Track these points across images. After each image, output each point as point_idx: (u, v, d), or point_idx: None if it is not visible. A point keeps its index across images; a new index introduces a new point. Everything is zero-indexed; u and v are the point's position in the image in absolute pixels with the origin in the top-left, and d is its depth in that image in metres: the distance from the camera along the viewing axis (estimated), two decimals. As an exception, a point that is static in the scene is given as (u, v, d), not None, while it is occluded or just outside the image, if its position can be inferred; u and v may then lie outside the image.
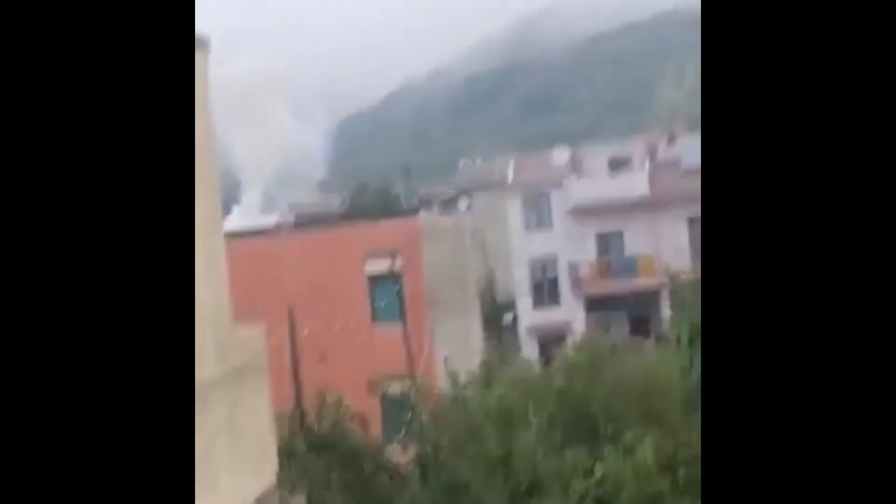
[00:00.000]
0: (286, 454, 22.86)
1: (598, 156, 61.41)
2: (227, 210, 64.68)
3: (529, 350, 51.21)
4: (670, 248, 51.88)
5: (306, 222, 44.48)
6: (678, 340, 26.70)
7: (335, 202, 68.61)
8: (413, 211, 39.36)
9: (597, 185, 57.14)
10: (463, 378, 27.41)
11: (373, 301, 34.81)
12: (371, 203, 66.86)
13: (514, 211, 57.41)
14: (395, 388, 28.31)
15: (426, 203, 70.60)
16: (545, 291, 56.47)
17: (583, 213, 55.62)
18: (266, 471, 22.13)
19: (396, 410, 27.99)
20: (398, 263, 33.21)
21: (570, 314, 54.01)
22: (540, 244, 55.98)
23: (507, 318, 57.48)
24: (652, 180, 56.54)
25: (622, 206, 54.72)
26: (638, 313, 54.42)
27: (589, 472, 20.62)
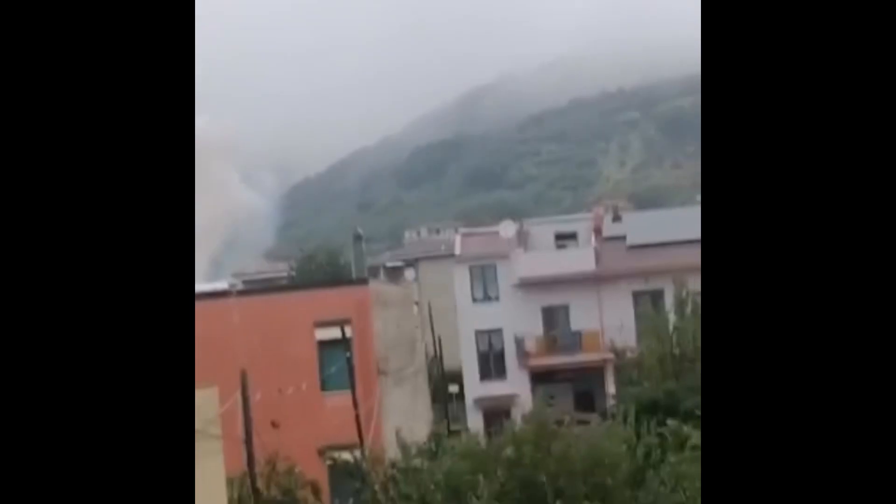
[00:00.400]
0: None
1: (544, 230, 61.92)
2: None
3: (475, 422, 51.32)
4: (615, 323, 52.35)
5: (255, 289, 44.55)
6: (624, 417, 27.00)
7: (283, 269, 68.68)
8: (362, 280, 39.52)
9: (543, 259, 57.57)
10: (412, 449, 27.51)
11: (322, 369, 34.83)
12: (318, 271, 66.92)
13: (461, 282, 57.68)
14: (344, 457, 28.32)
15: (373, 272, 70.82)
16: (491, 364, 56.65)
17: (529, 286, 55.98)
18: (216, 536, 22.02)
19: (346, 479, 27.98)
20: (348, 331, 33.29)
21: (516, 387, 54.15)
22: (486, 316, 56.22)
23: (454, 389, 57.56)
24: (598, 256, 57.07)
25: (568, 281, 55.13)
26: (583, 388, 54.63)
27: (538, 544, 20.77)
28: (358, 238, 43.49)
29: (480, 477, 22.98)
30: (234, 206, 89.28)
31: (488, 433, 36.69)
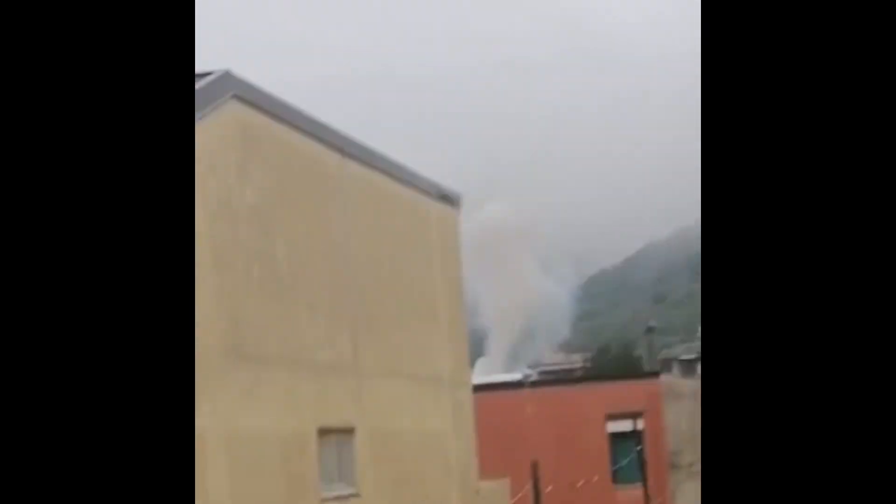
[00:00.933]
0: None
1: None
2: (472, 362, 65.52)
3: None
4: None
5: (549, 380, 44.69)
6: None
7: (577, 361, 68.71)
8: (654, 372, 39.04)
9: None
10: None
11: (614, 461, 34.50)
12: (612, 363, 66.62)
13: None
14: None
15: (666, 364, 69.85)
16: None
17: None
18: None
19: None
20: (640, 424, 32.92)
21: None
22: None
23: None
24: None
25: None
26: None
27: None
28: (650, 330, 43.14)
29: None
30: (532, 296, 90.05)
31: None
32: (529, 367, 64.42)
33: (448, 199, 21.91)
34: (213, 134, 14.25)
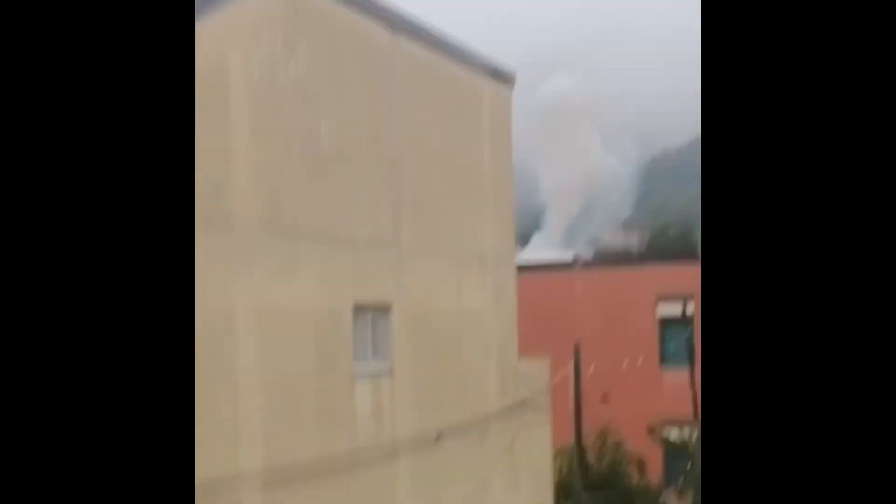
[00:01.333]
0: (563, 491, 23.01)
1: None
2: (527, 238, 65.33)
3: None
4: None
5: (603, 260, 44.55)
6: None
7: (635, 241, 68.37)
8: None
9: None
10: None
11: (662, 344, 34.53)
12: (670, 245, 66.26)
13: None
14: (676, 435, 27.98)
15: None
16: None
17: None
18: (541, 505, 22.32)
19: (677, 457, 27.67)
20: (691, 308, 32.80)
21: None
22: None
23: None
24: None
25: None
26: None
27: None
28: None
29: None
30: (595, 172, 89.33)
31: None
32: (587, 244, 64.35)
33: (501, 76, 21.59)
34: (257, 5, 14.08)
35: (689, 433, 27.45)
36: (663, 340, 34.43)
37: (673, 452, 28.50)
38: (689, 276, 35.65)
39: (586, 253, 50.93)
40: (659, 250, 62.68)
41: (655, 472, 27.17)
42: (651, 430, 25.55)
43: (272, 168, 14.24)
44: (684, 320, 31.41)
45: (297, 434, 14.42)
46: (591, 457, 24.54)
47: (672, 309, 33.84)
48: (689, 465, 25.62)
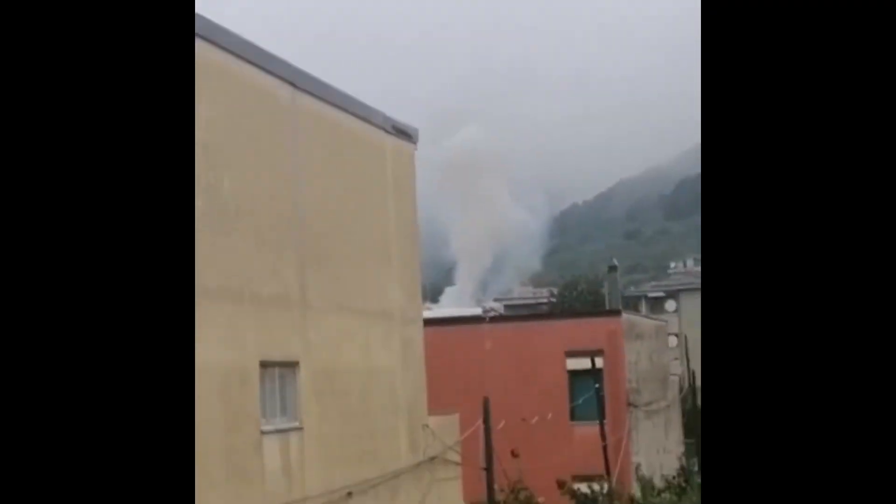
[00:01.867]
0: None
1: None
2: (437, 293, 65.26)
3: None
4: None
5: (512, 315, 44.72)
6: None
7: (544, 296, 68.84)
8: (616, 311, 39.06)
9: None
10: (659, 484, 27.02)
11: (572, 399, 34.62)
12: (579, 299, 66.75)
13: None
14: (586, 489, 28.02)
15: (635, 302, 70.16)
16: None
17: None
18: (453, 563, 22.17)
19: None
20: (599, 362, 32.98)
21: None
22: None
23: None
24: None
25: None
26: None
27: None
28: (613, 269, 43.11)
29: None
30: (504, 225, 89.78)
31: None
32: (496, 299, 64.52)
33: (404, 133, 21.69)
34: (157, 62, 13.99)
35: (599, 487, 27.52)
36: (573, 395, 34.54)
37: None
38: (598, 330, 36.04)
39: (496, 307, 51.06)
40: (569, 304, 63.08)
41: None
42: (561, 485, 25.56)
43: (175, 225, 14.10)
44: (593, 374, 31.57)
45: (206, 492, 14.18)
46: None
47: (581, 363, 33.99)
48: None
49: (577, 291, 70.18)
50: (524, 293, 78.88)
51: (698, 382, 51.50)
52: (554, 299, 67.08)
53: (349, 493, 17.87)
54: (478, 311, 42.60)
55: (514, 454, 26.29)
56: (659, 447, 37.77)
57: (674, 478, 30.64)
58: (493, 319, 38.25)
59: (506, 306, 61.79)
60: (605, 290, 67.30)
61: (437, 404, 22.75)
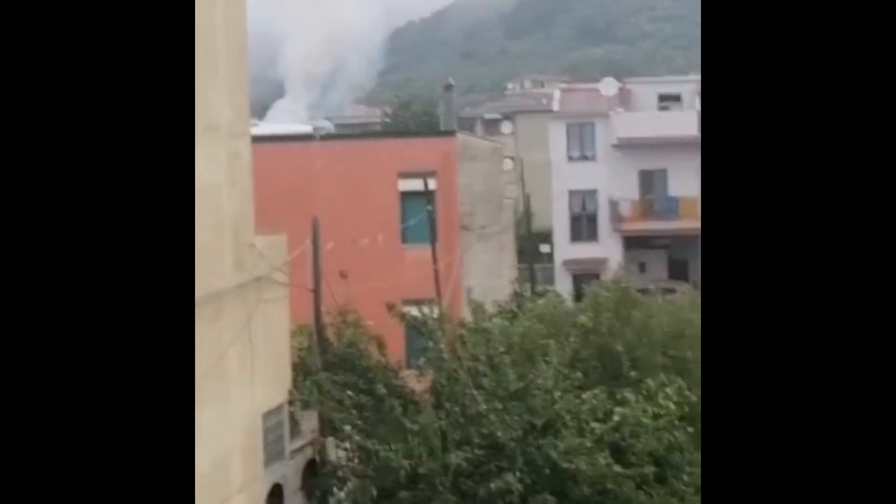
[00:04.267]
0: (301, 370, 22.43)
1: (647, 90, 60.18)
2: (265, 109, 63.59)
3: (564, 285, 50.38)
4: (713, 190, 50.83)
5: (343, 134, 43.67)
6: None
7: (377, 115, 67.70)
8: (450, 132, 38.33)
9: (644, 120, 56.01)
10: (490, 309, 26.83)
11: (403, 220, 34.12)
12: (413, 120, 65.98)
13: (557, 139, 56.37)
14: (418, 312, 27.70)
15: (470, 123, 69.68)
16: (583, 226, 55.52)
17: (627, 147, 54.57)
18: (279, 385, 21.65)
19: (418, 335, 27.40)
20: (432, 184, 32.42)
21: (608, 251, 53.14)
22: (581, 176, 54.96)
23: (543, 249, 56.67)
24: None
25: (668, 144, 53.53)
26: (678, 256, 53.65)
27: (608, 415, 20.15)
28: (448, 88, 42.21)
29: (552, 342, 22.28)
30: (337, 44, 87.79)
31: (576, 297, 36.00)
32: (327, 117, 63.38)
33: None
34: None
35: (429, 310, 27.22)
36: (404, 216, 34.03)
37: (414, 331, 28.27)
38: (431, 151, 35.38)
39: (327, 126, 50.01)
40: (403, 125, 62.32)
41: (396, 352, 26.85)
42: (391, 308, 25.09)
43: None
44: (426, 196, 31.07)
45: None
46: (330, 335, 23.95)
47: (413, 185, 33.44)
48: (429, 345, 25.38)
49: (411, 112, 69.11)
50: (356, 112, 77.74)
51: (533, 207, 51.76)
52: (388, 119, 65.94)
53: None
54: (308, 128, 41.54)
55: (342, 275, 25.74)
56: (492, 272, 37.70)
57: (506, 303, 30.52)
58: (324, 138, 37.30)
59: (337, 125, 60.67)
60: (440, 111, 66.76)
61: (264, 224, 21.90)
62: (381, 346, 23.25)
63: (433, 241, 29.68)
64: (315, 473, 22.30)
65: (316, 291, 22.99)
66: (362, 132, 48.61)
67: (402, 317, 23.98)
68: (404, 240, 34.02)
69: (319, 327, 23.34)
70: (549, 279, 52.58)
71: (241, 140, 20.77)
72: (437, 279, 28.75)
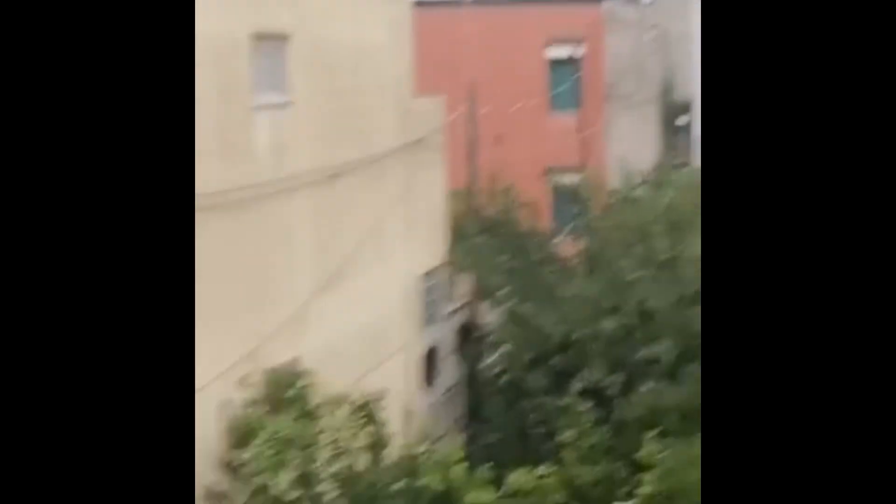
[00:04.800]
0: (457, 232, 22.75)
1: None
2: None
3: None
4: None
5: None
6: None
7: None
8: (597, -1, 37.81)
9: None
10: (635, 178, 26.79)
11: (551, 87, 33.95)
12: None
13: (698, 9, 55.24)
14: (565, 180, 27.79)
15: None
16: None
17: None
18: (436, 248, 22.03)
19: (566, 202, 27.53)
20: (579, 51, 32.19)
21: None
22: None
23: (683, 120, 55.80)
24: None
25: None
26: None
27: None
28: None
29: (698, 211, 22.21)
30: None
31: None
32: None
33: None
34: None
35: (577, 178, 27.29)
36: (552, 83, 33.86)
37: (562, 197, 28.39)
38: (579, 18, 35.01)
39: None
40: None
41: (543, 218, 27.06)
42: (545, 174, 25.21)
43: None
44: (573, 62, 30.91)
45: (198, 166, 13.63)
46: (484, 199, 24.21)
47: (561, 52, 33.24)
48: (578, 210, 25.52)
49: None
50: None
51: (677, 77, 50.87)
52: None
53: (333, 175, 17.41)
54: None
55: (497, 140, 25.87)
56: (636, 141, 37.45)
57: (649, 172, 30.41)
58: (473, 3, 37.06)
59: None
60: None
61: (419, 88, 22.06)
62: (534, 212, 23.44)
63: (579, 107, 29.59)
64: (468, 337, 22.72)
65: (471, 156, 23.16)
66: (505, -1, 48.05)
67: (554, 184, 24.11)
68: (551, 106, 33.91)
69: (474, 192, 23.55)
70: (690, 149, 51.86)
71: (402, 3, 20.90)
72: (583, 146, 28.74)
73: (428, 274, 21.49)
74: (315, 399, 14.32)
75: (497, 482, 15.37)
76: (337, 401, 14.57)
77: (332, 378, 15.13)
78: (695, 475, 13.55)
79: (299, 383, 14.40)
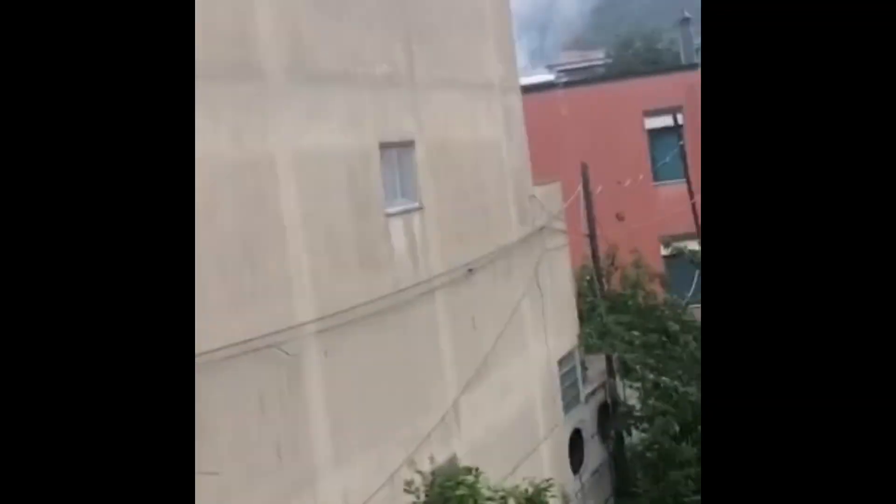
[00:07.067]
0: (585, 313, 22.89)
1: None
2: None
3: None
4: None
5: (580, 79, 43.76)
6: None
7: (598, 58, 67.19)
8: (692, 64, 38.02)
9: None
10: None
11: (654, 159, 34.17)
12: (636, 58, 65.33)
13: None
14: (683, 247, 27.86)
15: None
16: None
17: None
18: (568, 331, 22.22)
19: (685, 270, 27.59)
20: (681, 118, 32.38)
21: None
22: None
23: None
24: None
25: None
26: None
27: None
28: (685, 21, 41.77)
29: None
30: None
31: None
32: (548, 66, 63.24)
33: None
34: None
35: (692, 245, 27.35)
36: (655, 154, 34.08)
37: (678, 265, 28.44)
38: (673, 85, 35.24)
39: (560, 76, 50.05)
40: (626, 64, 61.81)
41: (666, 286, 27.16)
42: (667, 245, 25.33)
43: (292, 13, 13.56)
44: (676, 129, 31.05)
45: (341, 281, 14.04)
46: (608, 276, 24.35)
47: (659, 122, 33.48)
48: (696, 277, 25.58)
49: (633, 49, 68.45)
50: (571, 58, 77.02)
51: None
52: (610, 60, 65.45)
53: (470, 270, 17.73)
54: (547, 77, 41.78)
55: (619, 217, 26.06)
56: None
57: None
58: (566, 84, 37.53)
59: (559, 72, 60.50)
60: (664, 45, 65.76)
61: (534, 174, 22.38)
62: (662, 283, 23.51)
63: (687, 176, 29.71)
64: (607, 416, 22.73)
65: (591, 236, 23.38)
66: (596, 76, 48.49)
67: (681, 252, 24.18)
68: (656, 178, 34.10)
69: (598, 271, 23.71)
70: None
71: (513, 94, 21.32)
72: (695, 212, 28.80)
73: (563, 358, 21.65)
74: (485, 494, 14.49)
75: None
76: (507, 494, 14.72)
77: (487, 472, 15.30)
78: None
79: (467, 481, 14.59)
